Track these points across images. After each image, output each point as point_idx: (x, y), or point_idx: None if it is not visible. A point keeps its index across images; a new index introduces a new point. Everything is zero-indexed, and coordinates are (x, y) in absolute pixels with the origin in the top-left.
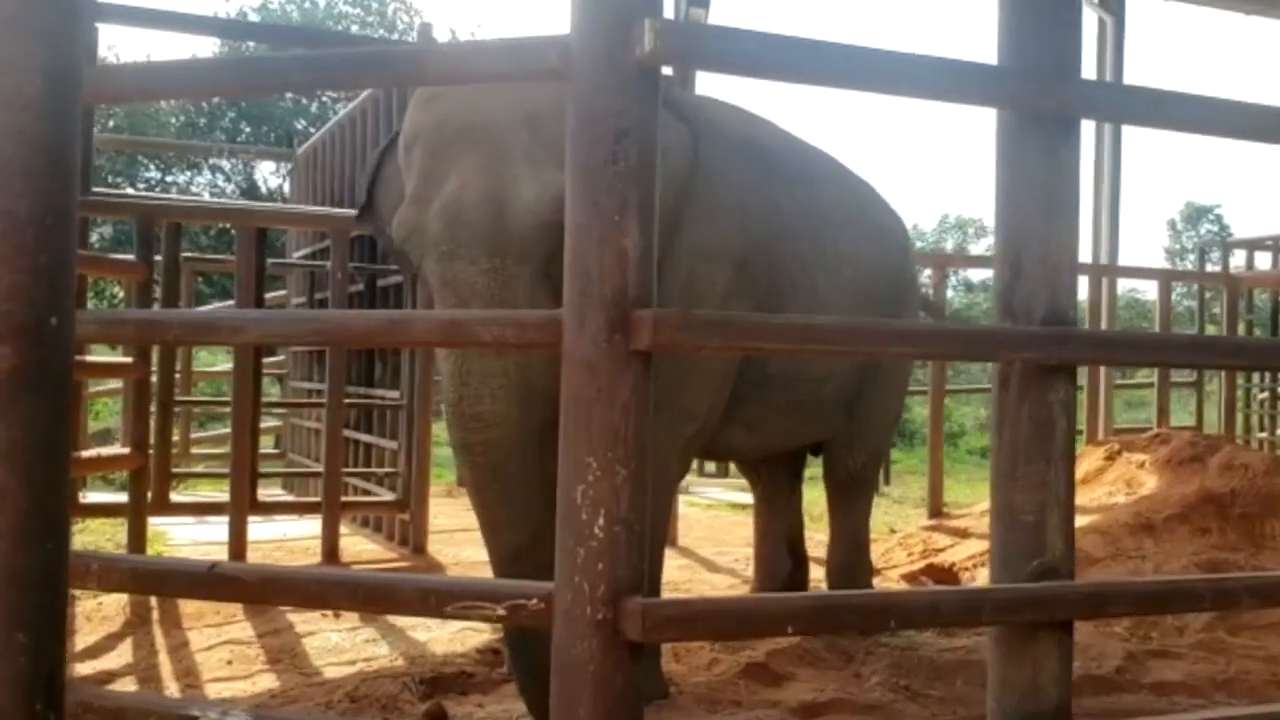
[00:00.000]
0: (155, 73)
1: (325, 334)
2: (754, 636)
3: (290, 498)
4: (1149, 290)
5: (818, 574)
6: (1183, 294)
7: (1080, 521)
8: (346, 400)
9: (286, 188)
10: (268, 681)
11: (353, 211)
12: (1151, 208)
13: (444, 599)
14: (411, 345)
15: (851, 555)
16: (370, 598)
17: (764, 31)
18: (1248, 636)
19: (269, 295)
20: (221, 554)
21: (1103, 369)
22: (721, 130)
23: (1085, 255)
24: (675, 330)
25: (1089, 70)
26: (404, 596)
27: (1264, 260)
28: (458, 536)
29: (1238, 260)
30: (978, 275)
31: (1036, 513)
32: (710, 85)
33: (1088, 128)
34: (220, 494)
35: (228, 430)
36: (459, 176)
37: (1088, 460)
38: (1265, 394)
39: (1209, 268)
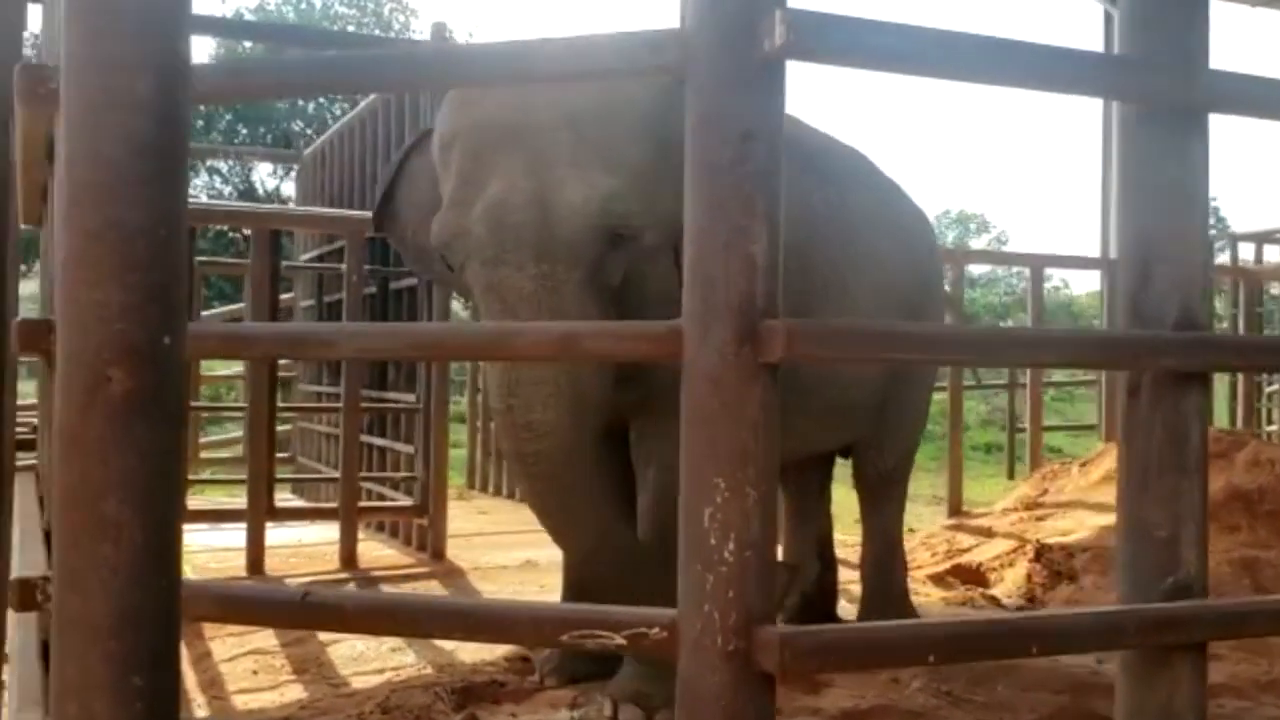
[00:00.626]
0: (250, 72)
1: (423, 349)
2: (894, 666)
3: (300, 502)
4: None
5: (845, 575)
6: None
7: (1107, 519)
8: (362, 405)
9: (284, 190)
10: (295, 692)
11: (368, 214)
12: None
13: (559, 627)
14: (518, 360)
15: (885, 555)
16: (481, 626)
17: (902, 24)
18: None
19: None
20: (239, 560)
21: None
22: None
23: (1095, 249)
24: (810, 341)
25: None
26: (518, 625)
27: (1272, 253)
28: (475, 541)
29: (1244, 254)
30: (977, 269)
31: (1169, 527)
32: None
33: (1097, 118)
34: (232, 499)
35: (231, 434)
36: (502, 179)
37: (1109, 458)
38: (1275, 387)
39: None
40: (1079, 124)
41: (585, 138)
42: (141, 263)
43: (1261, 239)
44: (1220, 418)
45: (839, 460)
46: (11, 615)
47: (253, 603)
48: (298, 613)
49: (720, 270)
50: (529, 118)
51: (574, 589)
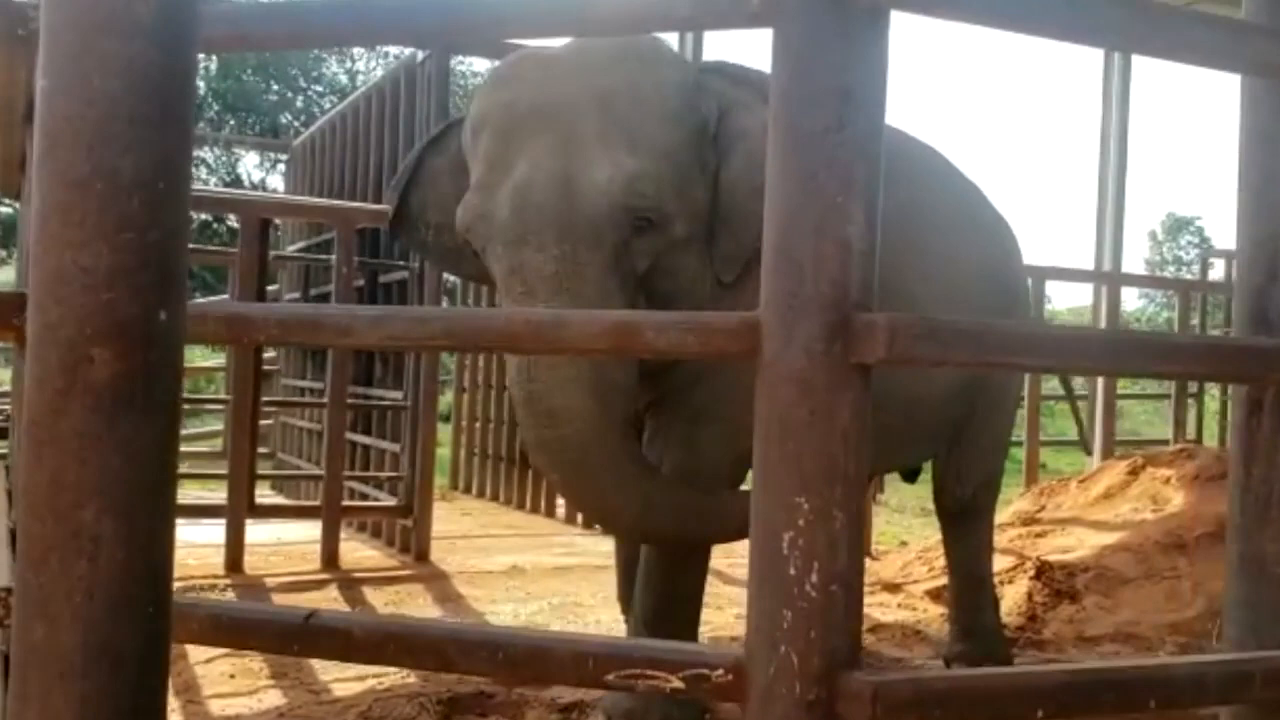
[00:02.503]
0: (268, 18)
1: (457, 337)
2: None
3: (280, 499)
4: (1126, 301)
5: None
6: (1162, 305)
7: (1108, 539)
8: (348, 401)
9: (270, 182)
10: (274, 698)
11: (360, 204)
12: (1132, 218)
13: (604, 665)
14: (568, 351)
15: (969, 591)
16: (514, 663)
17: None
18: None
19: None
20: (218, 558)
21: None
22: None
23: (1088, 262)
24: (915, 339)
25: (1095, 70)
26: (558, 662)
27: None
28: (459, 544)
29: (1220, 271)
30: None
31: None
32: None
33: (1094, 133)
34: (208, 494)
35: (207, 428)
36: (529, 159)
37: (1109, 475)
38: None
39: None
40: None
41: (614, 119)
42: (136, 220)
43: None
44: (1209, 435)
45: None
46: None
47: (248, 625)
48: (298, 637)
49: (809, 255)
50: (558, 99)
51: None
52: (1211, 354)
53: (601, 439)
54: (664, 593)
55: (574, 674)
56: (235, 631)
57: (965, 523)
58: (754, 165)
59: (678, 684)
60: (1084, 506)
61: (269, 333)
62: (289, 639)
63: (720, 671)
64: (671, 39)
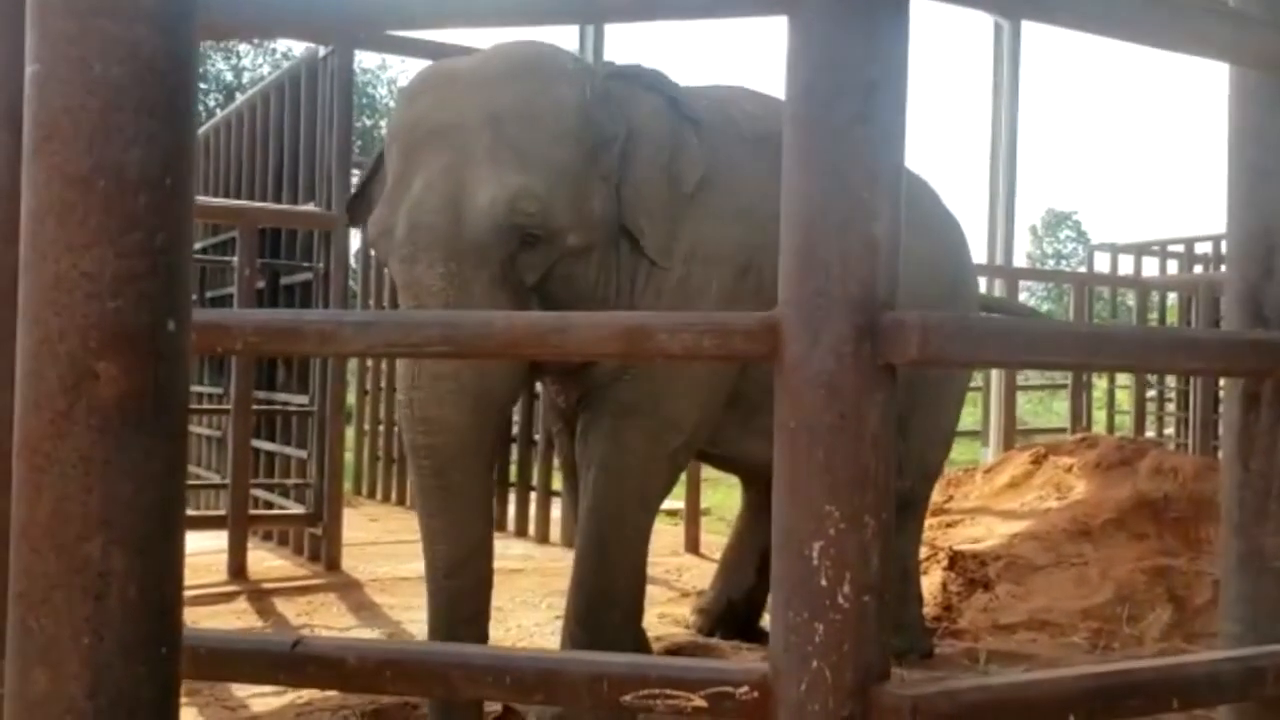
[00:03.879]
0: (256, 3)
1: (457, 343)
2: None
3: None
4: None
5: None
6: (1043, 298)
7: (1016, 527)
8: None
9: None
10: (187, 717)
11: (263, 204)
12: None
13: (620, 686)
14: (575, 357)
15: (900, 583)
16: (524, 686)
17: None
18: (1202, 644)
19: None
20: None
21: (997, 371)
22: (740, 127)
23: (981, 256)
24: (948, 339)
25: (985, 72)
26: (570, 682)
27: (1150, 265)
28: (370, 551)
29: (1101, 265)
30: None
31: None
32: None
33: (984, 122)
34: None
35: None
36: (423, 178)
37: (1013, 465)
38: (1154, 392)
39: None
40: (962, 130)
41: (504, 137)
42: (143, 221)
43: (1139, 251)
44: (1098, 424)
45: None
46: None
47: (230, 657)
48: (285, 666)
49: (836, 253)
50: (455, 118)
51: (438, 601)
52: (1226, 348)
53: (469, 458)
54: (598, 590)
55: (589, 696)
56: (215, 664)
57: (900, 515)
58: (647, 183)
59: (700, 703)
60: (990, 496)
61: (246, 340)
62: (275, 669)
63: (745, 689)
64: (572, 33)
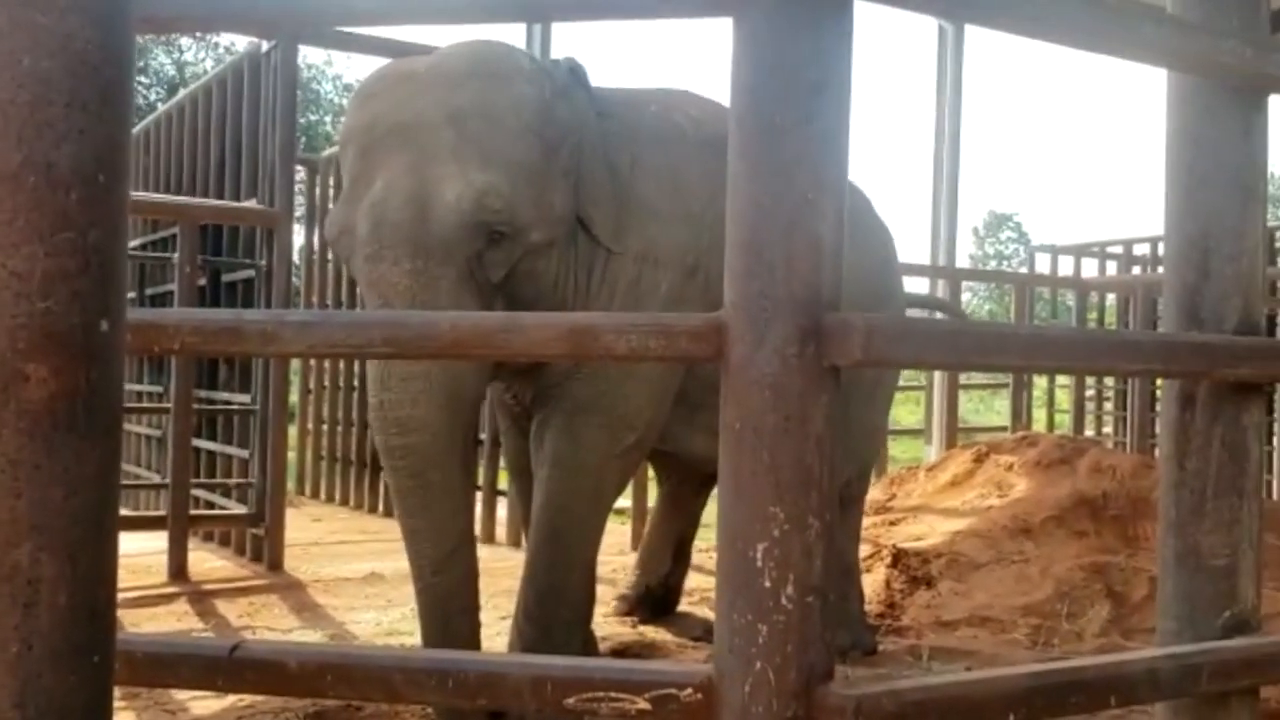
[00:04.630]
0: None
1: (402, 344)
2: None
3: (121, 510)
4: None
5: (702, 582)
6: (984, 298)
7: (958, 525)
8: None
9: None
10: None
11: (205, 201)
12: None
13: (564, 688)
14: (523, 357)
15: (840, 579)
16: (467, 689)
17: None
18: (1140, 639)
19: None
20: None
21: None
22: (685, 130)
23: (924, 257)
24: (891, 341)
25: (928, 75)
26: (514, 685)
27: (1089, 266)
28: (313, 551)
29: (1041, 266)
30: None
31: (1229, 556)
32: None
33: (927, 125)
34: None
35: None
36: (385, 177)
37: (955, 463)
38: (1093, 391)
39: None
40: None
41: (467, 135)
42: (75, 218)
43: (1079, 252)
44: (1039, 422)
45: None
46: None
47: (167, 662)
48: (224, 671)
49: (781, 254)
50: (415, 117)
51: (428, 598)
52: (1166, 350)
53: (445, 456)
54: (549, 586)
55: (532, 698)
56: (151, 669)
57: (841, 511)
58: (603, 183)
59: (644, 706)
60: (933, 494)
61: (184, 340)
62: (213, 674)
63: (689, 691)
64: (519, 33)
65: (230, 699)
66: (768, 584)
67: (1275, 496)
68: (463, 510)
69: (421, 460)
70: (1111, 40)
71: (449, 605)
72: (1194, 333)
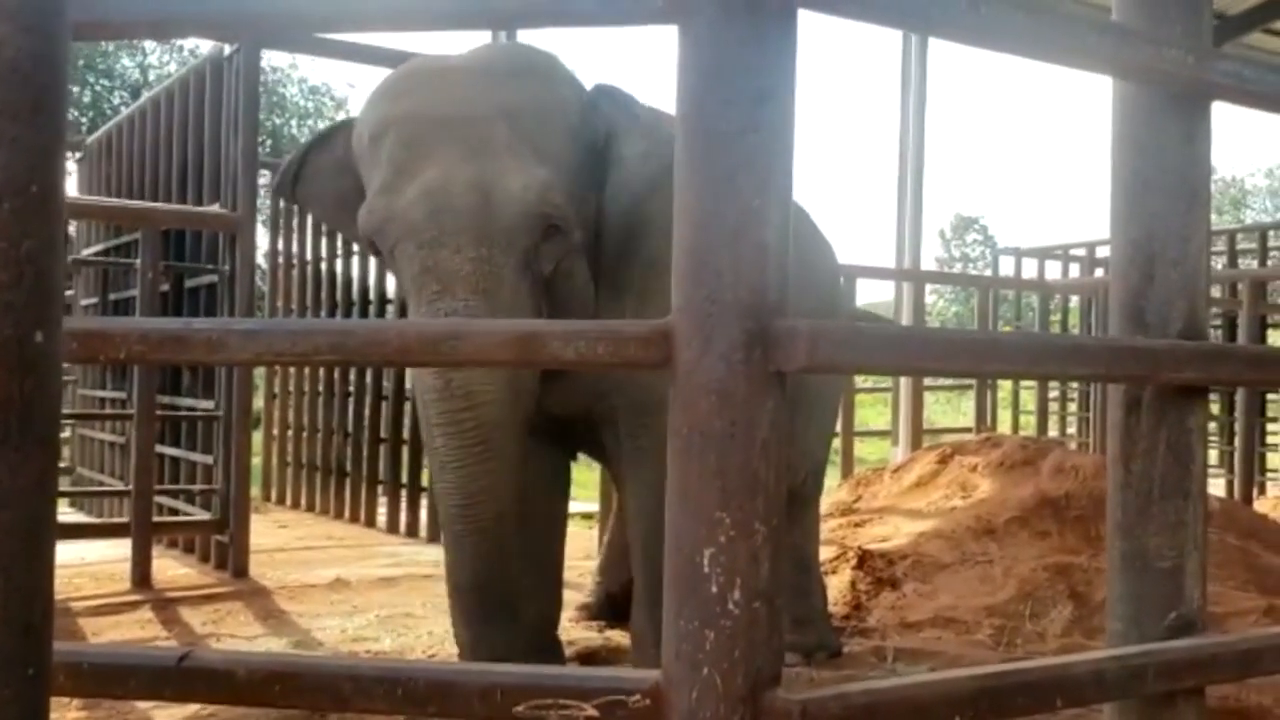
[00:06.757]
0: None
1: (348, 352)
2: None
3: (82, 517)
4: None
5: None
6: (951, 300)
7: (923, 526)
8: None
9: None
10: None
11: (167, 206)
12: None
13: (514, 696)
14: (467, 364)
15: (799, 578)
16: (416, 698)
17: None
18: (1102, 639)
19: None
20: None
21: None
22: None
23: (889, 260)
24: (837, 347)
25: (893, 79)
26: (464, 693)
27: (1052, 269)
28: (278, 557)
29: (1006, 268)
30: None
31: (1174, 557)
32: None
33: (892, 129)
34: None
35: None
36: (440, 166)
37: (920, 464)
38: (1057, 392)
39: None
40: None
41: (521, 131)
42: (7, 229)
43: (1043, 255)
44: (1003, 423)
45: None
46: None
47: (114, 673)
48: (171, 681)
49: (728, 260)
50: (465, 110)
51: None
52: (1111, 355)
53: (510, 424)
54: (658, 579)
55: (482, 707)
56: (99, 680)
57: (795, 510)
58: (625, 191)
59: (592, 713)
60: (898, 495)
61: (131, 349)
62: (162, 684)
63: (637, 697)
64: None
65: (192, 708)
66: (714, 589)
67: (1237, 496)
68: (517, 478)
69: (491, 428)
70: (1056, 49)
71: (497, 563)
72: (1139, 337)
